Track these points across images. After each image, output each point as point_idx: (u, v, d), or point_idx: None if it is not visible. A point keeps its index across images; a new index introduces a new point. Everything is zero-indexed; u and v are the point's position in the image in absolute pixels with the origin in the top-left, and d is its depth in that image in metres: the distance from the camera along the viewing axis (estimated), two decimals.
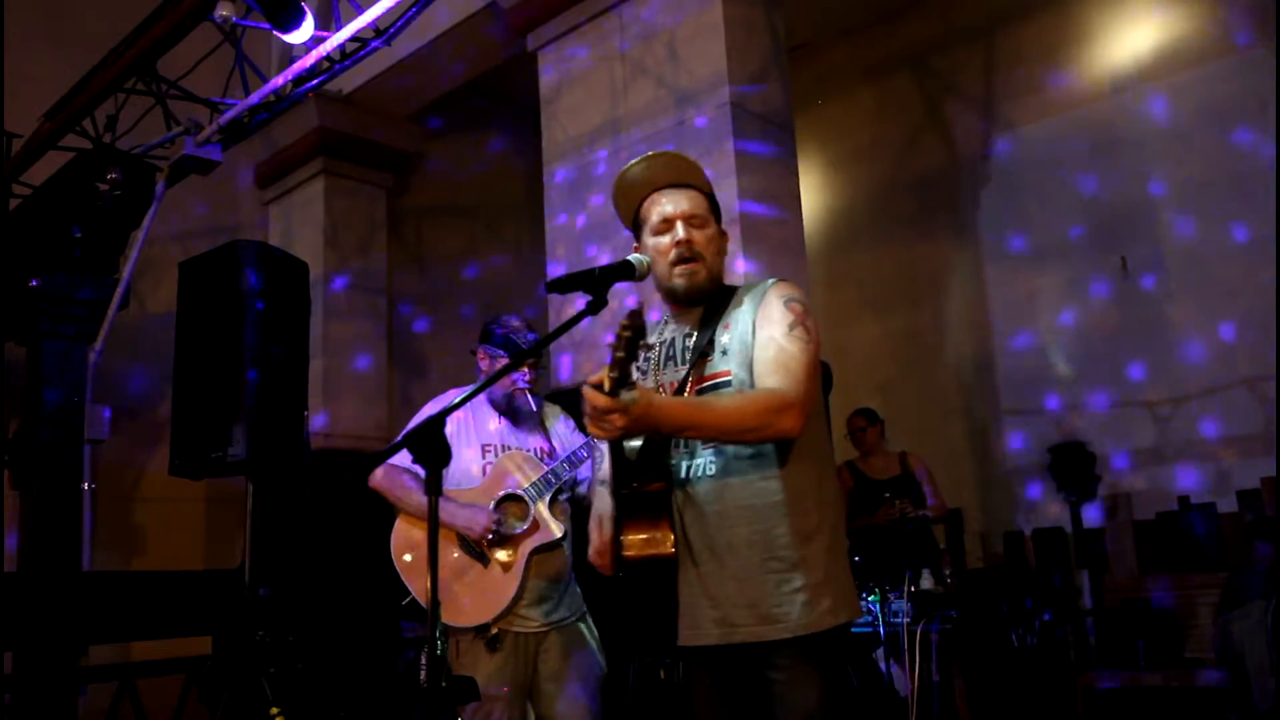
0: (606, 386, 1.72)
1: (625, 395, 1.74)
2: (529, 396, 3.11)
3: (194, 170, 5.11)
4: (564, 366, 5.03)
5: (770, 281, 2.14)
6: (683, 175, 2.16)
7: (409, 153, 7.28)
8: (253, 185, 7.36)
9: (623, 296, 4.64)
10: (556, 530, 2.98)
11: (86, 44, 5.31)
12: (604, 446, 2.40)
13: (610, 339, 1.74)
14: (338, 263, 6.85)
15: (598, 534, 2.18)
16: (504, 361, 3.09)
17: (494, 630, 2.89)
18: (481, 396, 3.12)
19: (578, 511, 3.10)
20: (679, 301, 2.17)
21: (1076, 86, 6.27)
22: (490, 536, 2.91)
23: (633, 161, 2.16)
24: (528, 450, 3.11)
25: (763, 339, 2.03)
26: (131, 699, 4.61)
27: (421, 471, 2.92)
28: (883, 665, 4.32)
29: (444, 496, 2.95)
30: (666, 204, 2.12)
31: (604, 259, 4.85)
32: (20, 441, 4.41)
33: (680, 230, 2.10)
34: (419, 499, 2.95)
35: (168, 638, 4.92)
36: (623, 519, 1.99)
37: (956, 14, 6.78)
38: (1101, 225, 6.04)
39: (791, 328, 2.02)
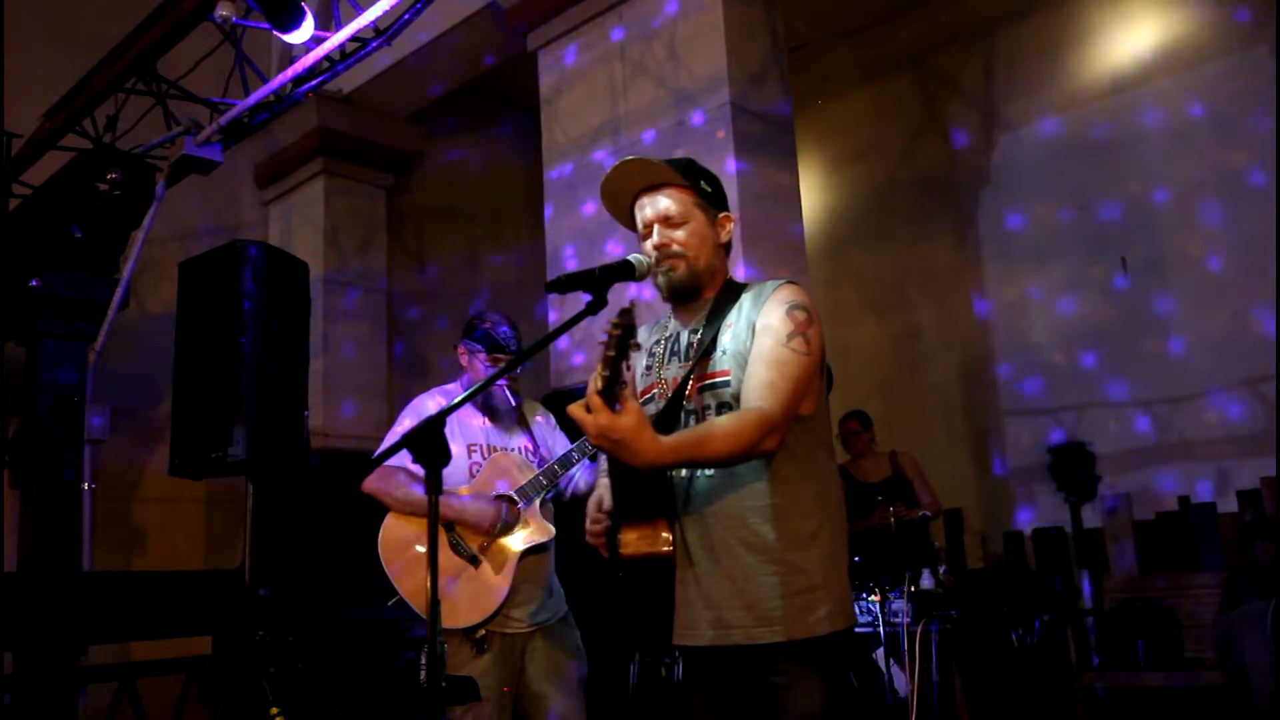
0: (599, 385, 1.72)
1: (625, 420, 1.73)
2: (507, 394, 3.12)
3: (194, 170, 5.11)
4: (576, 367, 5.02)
5: (778, 282, 2.11)
6: (652, 176, 2.14)
7: (409, 153, 7.28)
8: (253, 185, 7.36)
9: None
10: (546, 533, 2.98)
11: (86, 44, 5.31)
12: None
13: (601, 338, 1.74)
14: (338, 263, 6.85)
15: (596, 511, 2.18)
16: (482, 356, 3.10)
17: (482, 632, 2.89)
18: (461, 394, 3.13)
19: (559, 510, 3.10)
20: (667, 300, 2.18)
21: (1076, 86, 6.27)
22: (497, 529, 2.91)
23: (607, 172, 2.15)
24: (513, 449, 3.11)
25: (758, 348, 2.00)
26: (131, 699, 4.61)
27: (418, 470, 2.94)
28: (883, 665, 4.32)
29: (447, 491, 2.95)
30: (643, 210, 2.14)
31: (604, 259, 4.85)
32: (20, 441, 4.41)
33: (656, 235, 2.11)
34: (418, 495, 2.94)
35: (168, 638, 4.92)
36: (620, 516, 1.99)
37: (956, 14, 6.78)
38: (1101, 225, 6.04)
39: (790, 338, 1.98)
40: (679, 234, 2.10)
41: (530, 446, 3.14)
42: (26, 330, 4.49)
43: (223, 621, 4.31)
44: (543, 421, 3.25)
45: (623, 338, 1.71)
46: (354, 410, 6.70)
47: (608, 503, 2.15)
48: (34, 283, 4.38)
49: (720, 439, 1.89)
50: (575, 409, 1.77)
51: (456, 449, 3.04)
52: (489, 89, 7.01)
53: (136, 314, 5.89)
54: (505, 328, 3.12)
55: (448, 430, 3.01)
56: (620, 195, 2.18)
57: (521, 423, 3.19)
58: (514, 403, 3.14)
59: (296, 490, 4.81)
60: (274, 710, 3.25)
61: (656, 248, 2.09)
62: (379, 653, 4.78)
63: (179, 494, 5.72)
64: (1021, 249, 6.41)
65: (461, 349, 3.18)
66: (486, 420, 3.13)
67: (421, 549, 2.88)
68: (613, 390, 1.73)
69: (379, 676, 4.58)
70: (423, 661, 1.82)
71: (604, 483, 2.21)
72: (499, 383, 3.09)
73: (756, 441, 1.89)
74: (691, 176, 2.15)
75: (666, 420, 2.03)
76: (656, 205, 2.12)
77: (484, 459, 3.06)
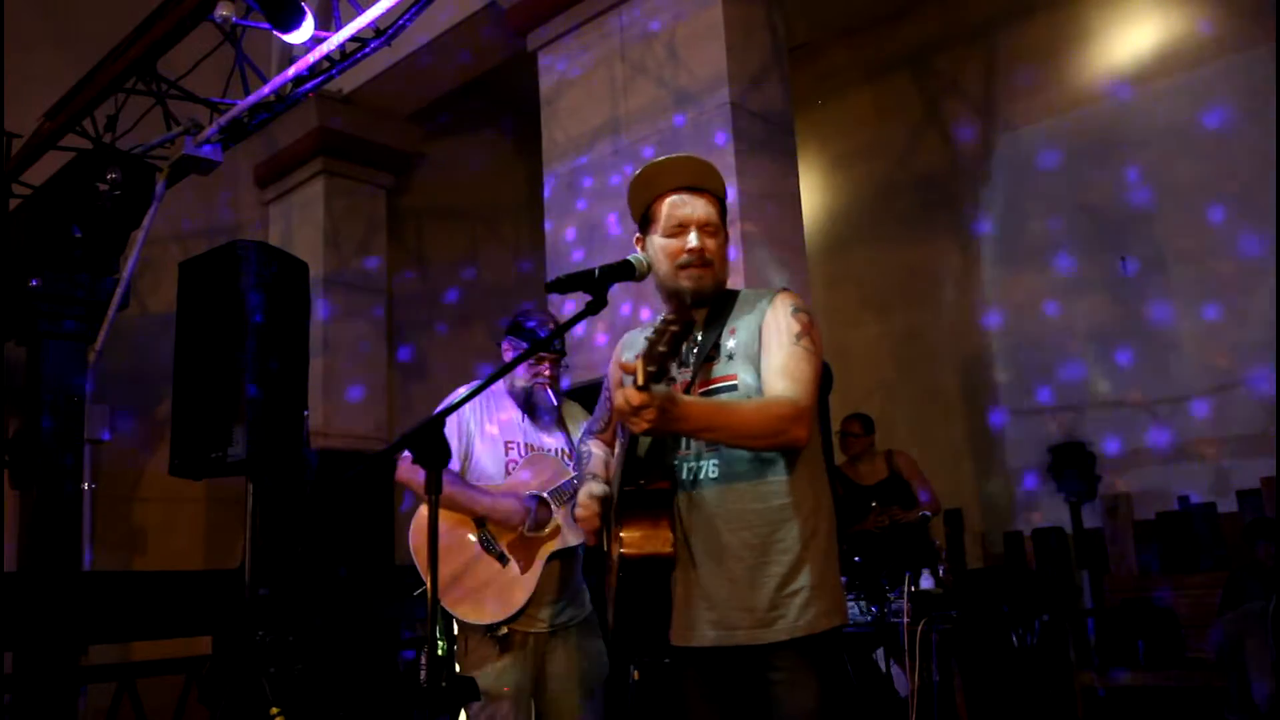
0: (640, 380, 1.68)
1: (658, 390, 1.71)
2: (548, 392, 3.09)
3: (194, 170, 5.11)
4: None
5: (776, 289, 2.17)
6: (702, 180, 2.15)
7: (409, 153, 7.29)
8: (253, 185, 7.36)
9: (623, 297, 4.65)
10: (576, 535, 2.96)
11: (86, 44, 5.32)
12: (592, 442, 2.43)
13: (649, 333, 1.70)
14: (338, 263, 6.85)
15: (586, 498, 2.19)
16: None
17: (504, 630, 2.88)
18: (503, 391, 3.12)
19: None
20: (676, 303, 2.17)
21: (1076, 86, 6.27)
22: (525, 527, 2.91)
23: (657, 159, 2.18)
24: (547, 449, 3.09)
25: (771, 347, 2.05)
26: (131, 699, 4.62)
27: (453, 463, 2.93)
28: (883, 665, 4.32)
29: (478, 486, 2.96)
30: (684, 208, 2.12)
31: (603, 259, 4.84)
32: (20, 441, 4.41)
33: (694, 239, 2.10)
34: (448, 490, 2.93)
35: (168, 638, 4.92)
36: (624, 515, 1.99)
37: (956, 14, 6.78)
38: (1101, 225, 6.04)
39: (799, 338, 2.04)
40: (712, 243, 2.13)
41: (567, 448, 3.13)
42: (26, 330, 4.49)
43: (223, 621, 4.31)
44: (583, 422, 3.23)
45: (679, 335, 1.67)
46: (354, 410, 6.70)
47: (596, 492, 2.17)
48: (34, 283, 4.38)
49: (747, 412, 1.95)
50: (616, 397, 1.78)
51: (492, 448, 3.04)
52: (489, 89, 7.01)
53: (136, 314, 5.89)
54: (549, 325, 3.11)
55: (481, 429, 3.04)
56: (657, 184, 2.16)
57: (561, 423, 3.17)
58: (555, 402, 3.12)
59: (296, 490, 4.81)
60: (274, 710, 3.24)
61: (692, 251, 2.09)
62: (379, 653, 4.78)
63: (179, 494, 5.72)
64: (1021, 249, 6.42)
65: (506, 345, 3.16)
66: (525, 418, 3.11)
67: (453, 542, 2.89)
68: (650, 387, 1.68)
69: (379, 676, 4.58)
70: (423, 661, 1.82)
71: (590, 472, 2.27)
72: (540, 381, 3.08)
73: (788, 425, 1.94)
74: (722, 191, 2.20)
75: None
76: (700, 209, 2.12)
77: (520, 457, 3.05)
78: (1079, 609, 5.57)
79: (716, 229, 2.14)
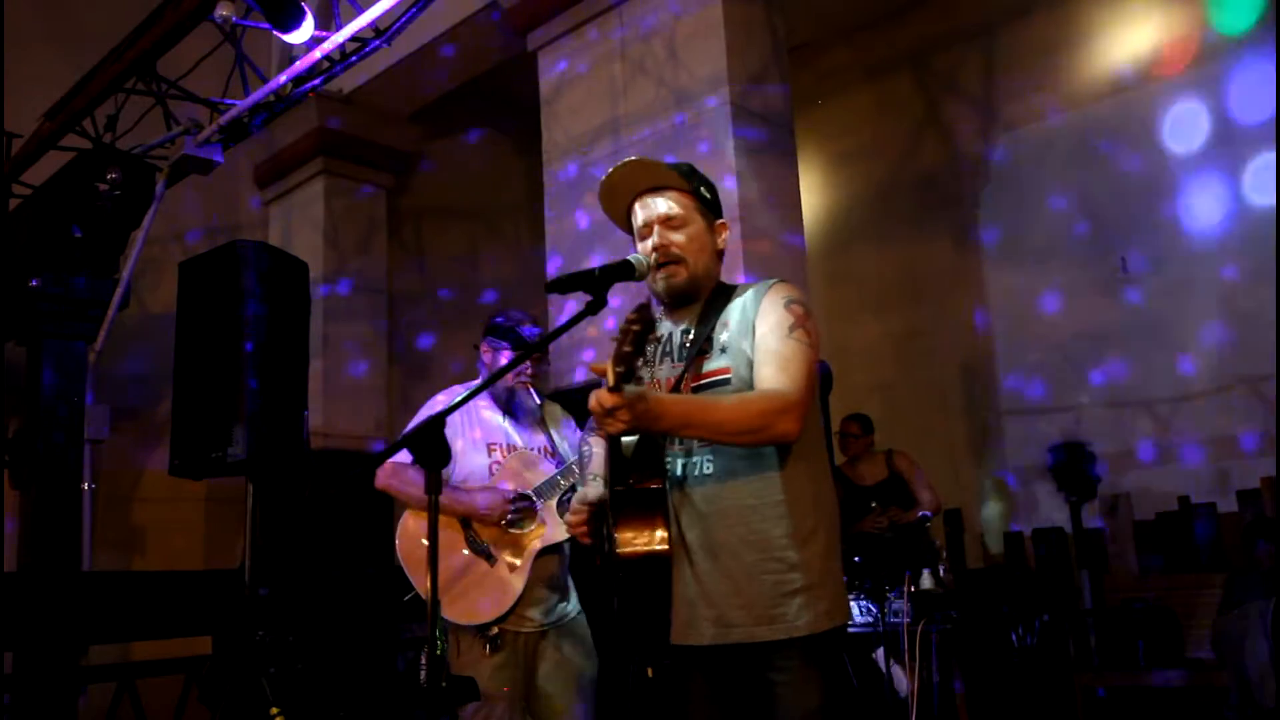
0: (610, 382, 1.69)
1: (629, 390, 1.71)
2: (531, 391, 3.11)
3: (194, 170, 5.11)
4: (576, 369, 5.01)
5: (771, 281, 2.14)
6: (657, 178, 2.15)
7: (409, 153, 7.28)
8: (253, 185, 7.36)
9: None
10: (562, 532, 2.97)
11: (86, 44, 5.32)
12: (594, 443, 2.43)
13: (614, 333, 1.72)
14: (338, 263, 6.85)
15: (578, 503, 2.16)
16: (506, 354, 3.07)
17: (495, 630, 2.89)
18: (485, 392, 3.12)
19: None
20: (663, 302, 2.18)
21: (1076, 86, 6.27)
22: (508, 518, 2.91)
23: (608, 171, 2.16)
24: (533, 449, 3.11)
25: (763, 339, 2.02)
26: (131, 699, 4.62)
27: None
28: (883, 665, 4.32)
29: (457, 488, 2.97)
30: (643, 210, 2.14)
31: (604, 259, 4.84)
32: (20, 441, 4.40)
33: (656, 235, 2.11)
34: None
35: (168, 638, 4.92)
36: (617, 516, 1.99)
37: (956, 14, 6.77)
38: (1101, 225, 6.04)
39: (792, 330, 2.02)
40: (678, 236, 2.11)
41: (549, 446, 3.15)
42: (26, 330, 4.48)
43: (223, 621, 4.31)
44: (564, 422, 3.25)
45: (641, 333, 1.68)
46: (354, 410, 6.70)
47: (591, 496, 2.14)
48: (34, 283, 4.37)
49: (728, 408, 1.92)
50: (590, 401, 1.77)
51: (475, 449, 3.05)
52: (489, 89, 7.01)
53: (136, 314, 5.89)
54: (530, 327, 3.12)
55: (465, 431, 3.05)
56: (620, 195, 2.18)
57: (542, 423, 3.19)
58: (537, 402, 3.14)
59: (296, 490, 4.81)
60: (274, 710, 3.24)
61: (656, 248, 2.09)
62: (379, 653, 4.78)
63: (179, 494, 5.71)
64: (1022, 249, 6.41)
65: (485, 347, 3.17)
66: (508, 419, 3.13)
67: (441, 544, 2.90)
68: (621, 387, 1.70)
69: (379, 676, 4.58)
70: (423, 661, 1.82)
71: (592, 472, 2.23)
72: (521, 380, 3.09)
73: (773, 420, 1.91)
74: (692, 181, 2.17)
75: None
76: (658, 206, 2.12)
77: (503, 457, 3.06)
78: (1079, 609, 5.57)
79: (683, 221, 2.12)
